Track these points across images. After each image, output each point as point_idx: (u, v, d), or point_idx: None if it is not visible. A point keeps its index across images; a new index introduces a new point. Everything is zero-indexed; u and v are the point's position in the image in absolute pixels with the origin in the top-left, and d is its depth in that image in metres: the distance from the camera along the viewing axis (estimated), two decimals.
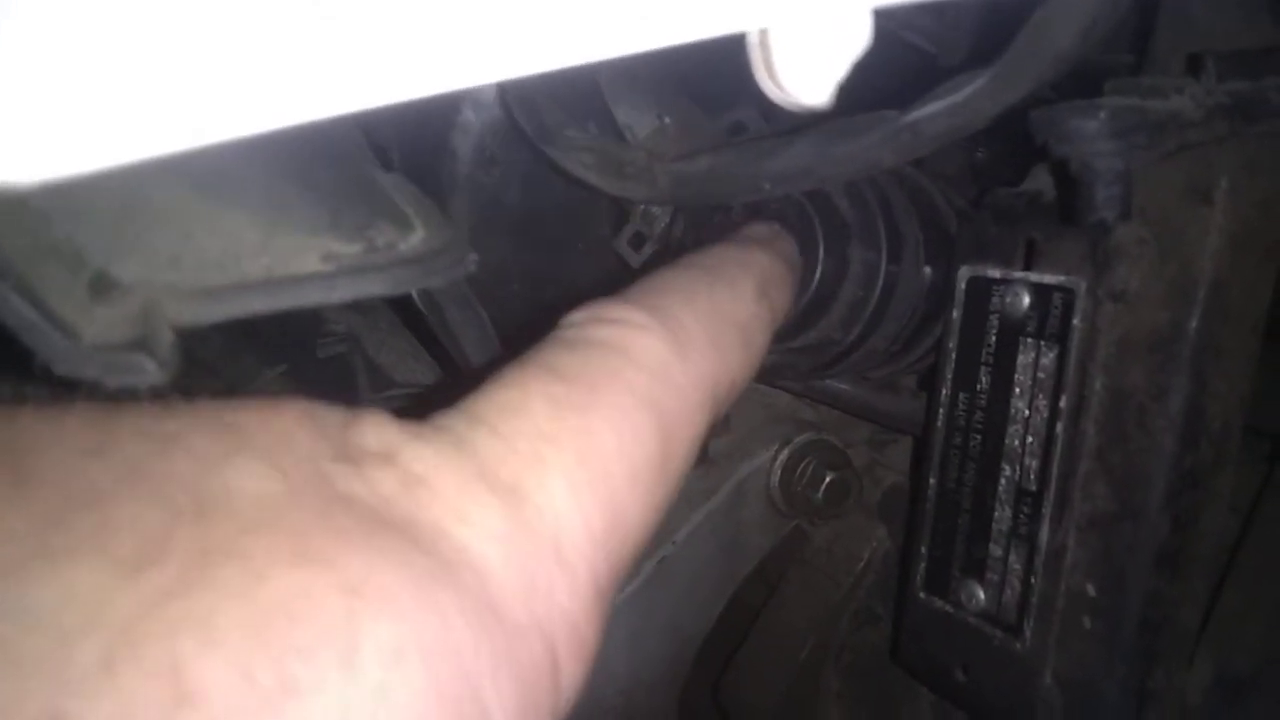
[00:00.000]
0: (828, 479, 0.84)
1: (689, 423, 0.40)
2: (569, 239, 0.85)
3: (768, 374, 0.70)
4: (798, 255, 0.59)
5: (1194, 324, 0.52)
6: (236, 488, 0.26)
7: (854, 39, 0.24)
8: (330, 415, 0.31)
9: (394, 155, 0.77)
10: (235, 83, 0.21)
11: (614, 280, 0.82)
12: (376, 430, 0.31)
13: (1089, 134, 0.41)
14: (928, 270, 0.66)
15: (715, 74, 0.62)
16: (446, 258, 0.38)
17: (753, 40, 0.24)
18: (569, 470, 0.33)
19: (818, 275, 0.62)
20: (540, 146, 0.61)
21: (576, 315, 0.42)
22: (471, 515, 0.30)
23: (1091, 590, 0.56)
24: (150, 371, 0.29)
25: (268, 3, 0.21)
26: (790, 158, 0.56)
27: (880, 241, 0.63)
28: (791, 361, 0.67)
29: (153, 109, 0.21)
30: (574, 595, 0.32)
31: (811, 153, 0.54)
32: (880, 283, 0.63)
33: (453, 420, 0.33)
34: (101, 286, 0.31)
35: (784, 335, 0.65)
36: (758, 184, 0.59)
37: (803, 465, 0.85)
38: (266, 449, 0.28)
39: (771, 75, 0.24)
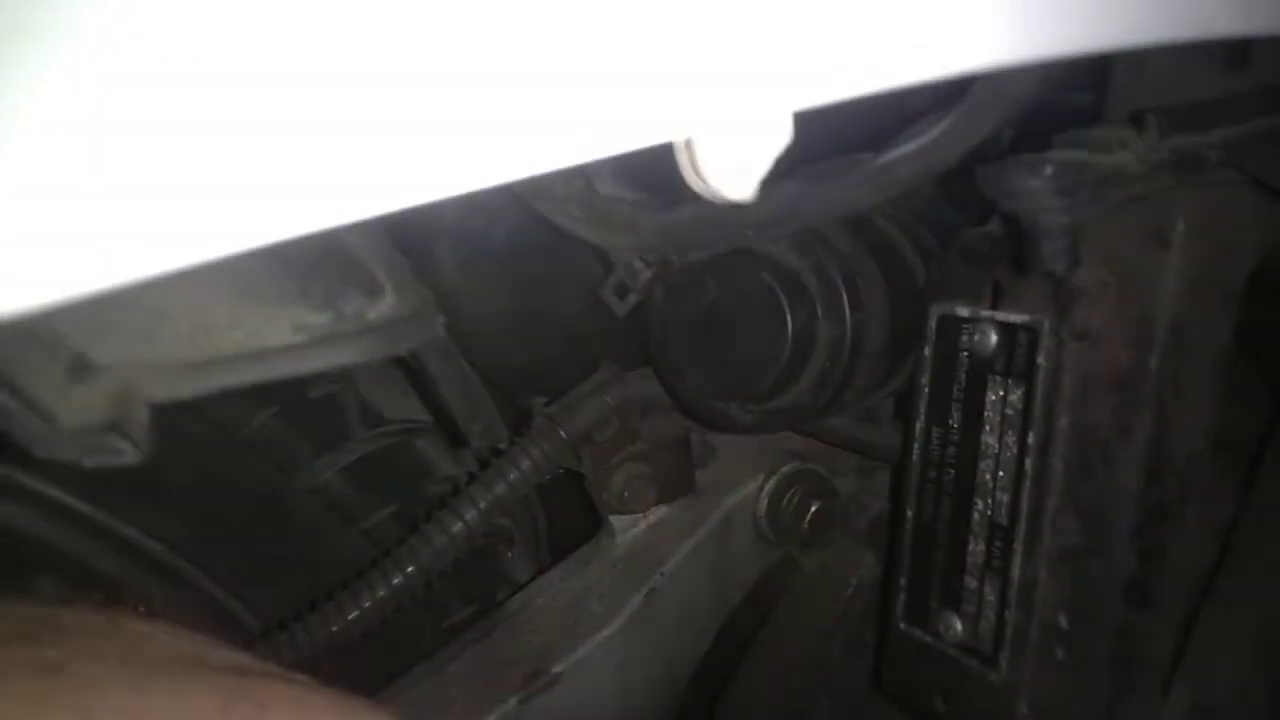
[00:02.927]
0: (813, 508, 0.85)
1: None
2: (555, 277, 0.87)
3: (745, 430, 0.72)
4: None
5: (1154, 363, 0.53)
6: None
7: (775, 139, 0.25)
8: None
9: None
10: (229, 202, 0.23)
11: (600, 316, 0.84)
12: None
13: (1034, 191, 0.43)
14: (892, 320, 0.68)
15: None
16: (415, 322, 0.40)
17: (679, 144, 0.25)
18: None
19: (786, 352, 0.64)
20: (530, 202, 0.63)
21: None
22: None
23: (1064, 622, 0.57)
24: (125, 451, 0.30)
25: (260, 115, 0.23)
26: (771, 204, 0.57)
27: (845, 316, 0.65)
28: (767, 422, 0.68)
29: (145, 233, 0.22)
30: None
31: (792, 197, 0.56)
32: (846, 354, 0.65)
33: None
34: (79, 368, 0.32)
35: (757, 400, 0.67)
36: (740, 230, 0.60)
37: (789, 495, 0.86)
38: None
39: (698, 175, 0.25)
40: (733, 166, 0.25)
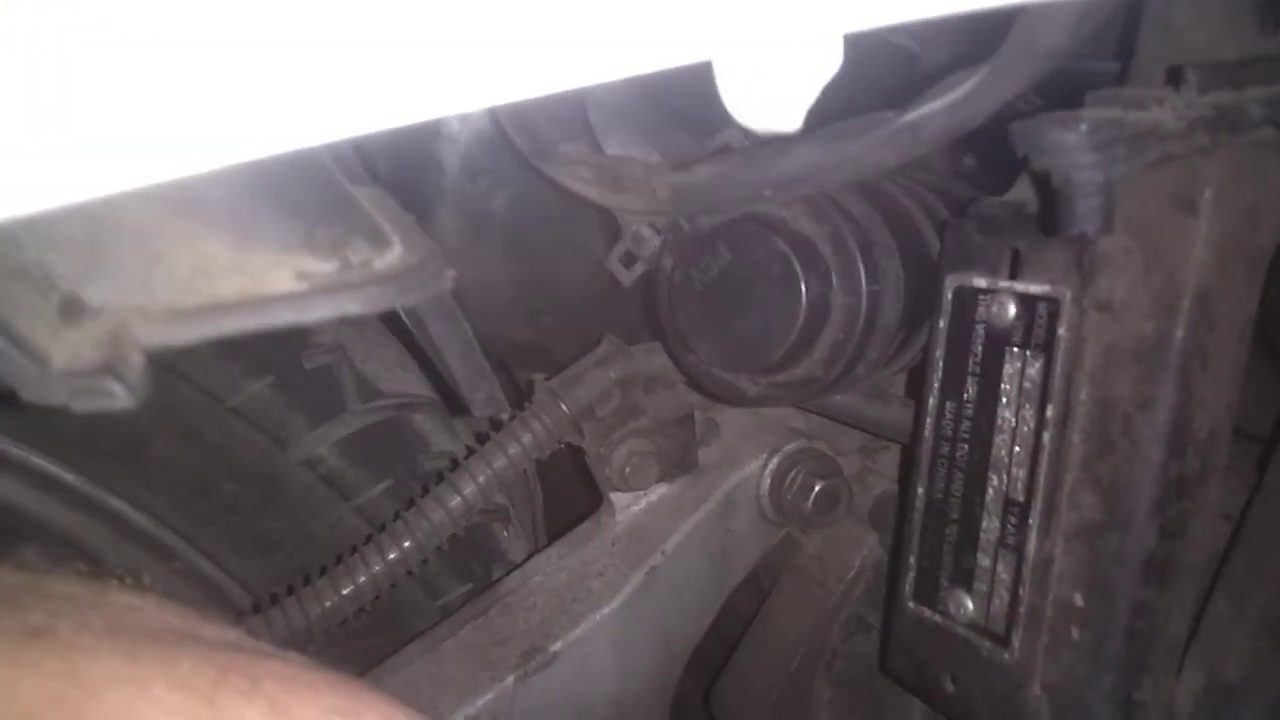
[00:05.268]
0: (817, 488, 0.84)
1: None
2: (558, 248, 0.85)
3: (754, 403, 0.70)
4: None
5: (1179, 334, 0.52)
6: None
7: (824, 64, 0.23)
8: None
9: (381, 166, 0.77)
10: (215, 114, 0.21)
11: (604, 289, 0.82)
12: None
13: (1069, 147, 0.41)
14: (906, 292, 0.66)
15: (700, 101, 0.62)
16: (423, 274, 0.38)
17: (721, 69, 0.24)
18: None
19: (799, 323, 0.62)
20: (536, 164, 0.61)
21: None
22: None
23: (1079, 600, 0.56)
24: (119, 395, 0.29)
25: (247, 31, 0.21)
26: (790, 164, 0.56)
27: (860, 286, 0.63)
28: (777, 394, 0.67)
29: (127, 144, 0.21)
30: None
31: (811, 158, 0.54)
32: (860, 325, 0.63)
33: None
34: (71, 310, 0.30)
35: (767, 372, 0.65)
36: (758, 191, 0.58)
37: (792, 474, 0.84)
38: None
39: (741, 103, 0.23)
40: (779, 95, 0.23)
